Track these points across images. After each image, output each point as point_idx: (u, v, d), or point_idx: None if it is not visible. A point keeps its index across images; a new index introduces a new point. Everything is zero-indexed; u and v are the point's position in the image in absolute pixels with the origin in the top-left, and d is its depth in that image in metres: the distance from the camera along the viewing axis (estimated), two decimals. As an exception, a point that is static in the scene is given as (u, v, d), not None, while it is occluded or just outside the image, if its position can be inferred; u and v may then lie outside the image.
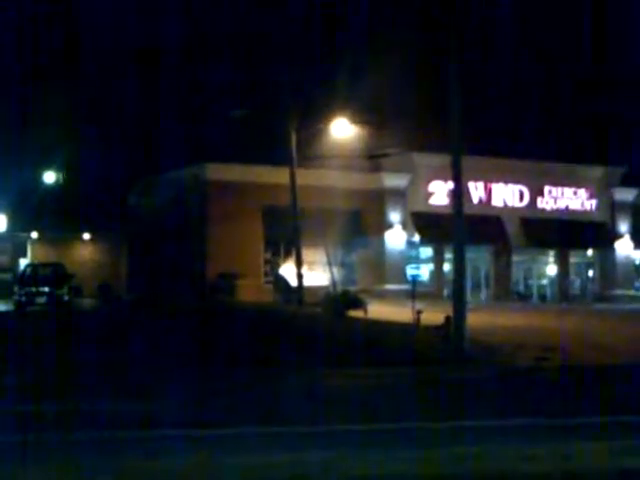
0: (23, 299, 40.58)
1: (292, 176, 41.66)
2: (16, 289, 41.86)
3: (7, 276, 50.08)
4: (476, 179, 52.72)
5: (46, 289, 41.36)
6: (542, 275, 58.45)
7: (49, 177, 59.63)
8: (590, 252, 58.71)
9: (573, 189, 56.98)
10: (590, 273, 59.22)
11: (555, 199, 56.53)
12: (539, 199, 56.07)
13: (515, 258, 56.31)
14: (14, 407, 14.38)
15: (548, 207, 56.27)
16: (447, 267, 51.28)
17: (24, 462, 10.16)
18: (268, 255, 49.88)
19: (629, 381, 19.48)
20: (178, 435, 11.85)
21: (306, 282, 41.84)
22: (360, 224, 50.99)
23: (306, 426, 12.59)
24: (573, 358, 23.42)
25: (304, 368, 19.97)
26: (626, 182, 57.84)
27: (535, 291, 57.45)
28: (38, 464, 10.11)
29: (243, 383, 18.03)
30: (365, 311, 35.02)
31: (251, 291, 44.22)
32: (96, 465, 10.01)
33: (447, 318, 26.62)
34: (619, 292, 56.87)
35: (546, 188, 56.19)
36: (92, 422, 12.77)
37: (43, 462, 10.20)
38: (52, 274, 43.34)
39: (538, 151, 53.92)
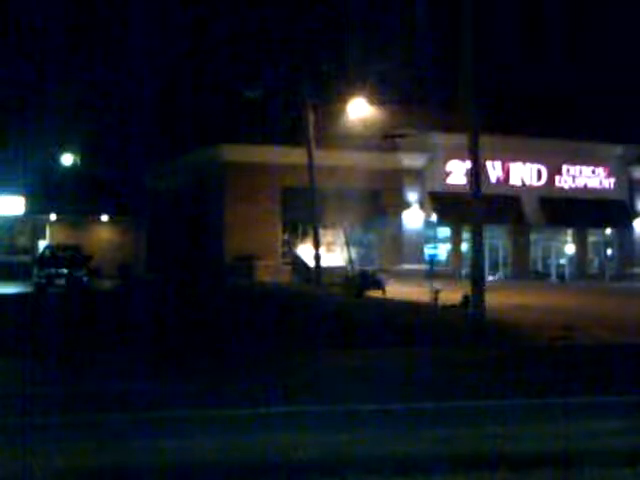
0: (42, 281, 40.77)
1: (310, 156, 41.64)
2: (35, 271, 42.07)
3: (26, 258, 50.39)
4: (494, 158, 52.60)
5: (65, 271, 41.52)
6: (560, 254, 58.29)
7: (67, 159, 59.84)
8: (608, 231, 58.51)
9: (591, 168, 56.78)
10: (609, 252, 59.02)
11: (573, 178, 56.35)
12: (557, 178, 55.91)
13: (533, 237, 56.22)
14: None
15: (566, 186, 56.10)
16: (465, 247, 51.23)
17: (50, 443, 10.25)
18: (286, 236, 49.94)
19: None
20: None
21: (324, 262, 41.91)
22: (378, 204, 50.96)
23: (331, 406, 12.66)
24: (591, 337, 23.36)
25: (322, 349, 20.01)
26: (645, 160, 57.61)
27: (553, 270, 57.31)
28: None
29: (258, 361, 18.10)
30: (383, 291, 35.09)
31: (269, 272, 44.36)
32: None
33: (465, 297, 26.62)
34: (638, 270, 56.71)
35: (564, 167, 56.01)
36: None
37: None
38: (71, 256, 43.52)
39: (556, 130, 53.67)
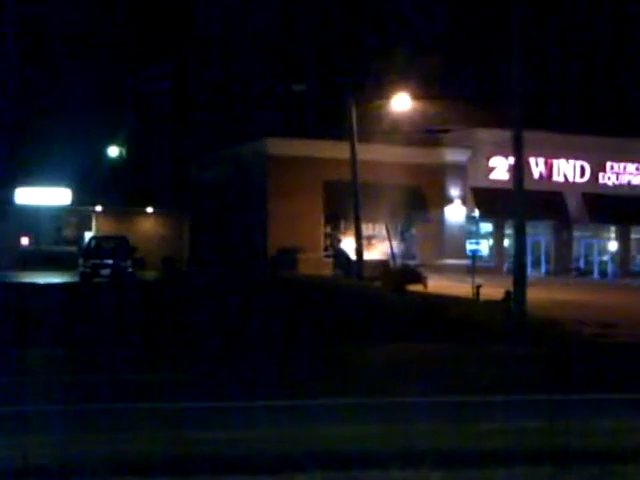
0: (88, 271, 41.20)
1: (352, 151, 41.78)
2: (81, 261, 42.53)
3: (73, 249, 51.00)
4: (537, 154, 52.47)
5: (110, 261, 41.94)
6: (603, 251, 58.01)
7: (113, 151, 60.47)
8: (652, 228, 58.11)
9: (636, 164, 56.43)
10: (652, 249, 58.65)
11: (617, 175, 56.05)
12: (601, 174, 55.65)
13: (576, 234, 56.00)
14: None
15: (610, 183, 55.83)
16: (507, 242, 51.19)
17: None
18: (328, 229, 50.19)
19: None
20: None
21: (366, 256, 42.08)
22: (420, 199, 51.05)
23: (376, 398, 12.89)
24: (633, 335, 23.36)
25: (366, 342, 20.24)
26: (690, 157, 57.11)
27: (596, 267, 57.06)
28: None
29: (308, 354, 18.37)
30: (425, 285, 35.16)
31: (311, 265, 44.63)
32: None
33: (507, 293, 26.68)
34: (681, 268, 56.35)
35: (608, 163, 55.74)
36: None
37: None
38: (116, 247, 43.97)
39: (600, 126, 53.43)
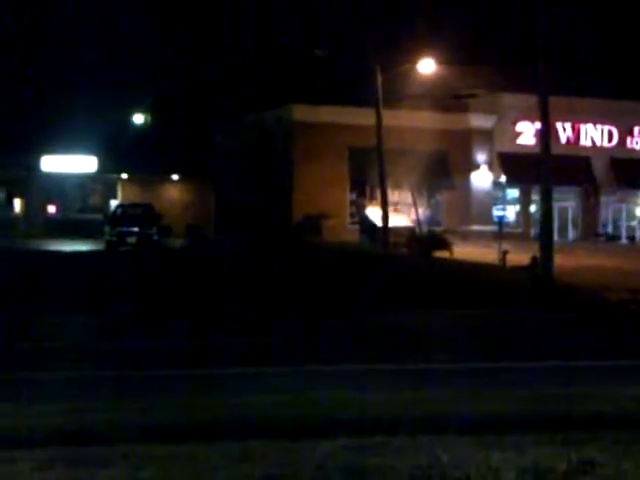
0: (114, 239, 41.29)
1: (378, 117, 41.57)
2: (107, 229, 42.62)
3: (98, 216, 51.17)
4: (564, 119, 51.92)
5: (136, 229, 41.99)
6: (631, 216, 57.56)
7: (138, 119, 60.47)
8: (682, 193, 57.55)
9: (664, 128, 55.83)
10: (681, 214, 58.12)
11: (645, 139, 55.48)
12: (629, 139, 55.11)
13: (603, 199, 55.54)
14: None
15: (638, 147, 55.29)
16: (533, 208, 50.87)
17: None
18: (353, 196, 50.05)
19: None
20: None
21: (391, 223, 41.97)
22: (446, 165, 50.78)
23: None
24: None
25: (395, 308, 20.23)
26: None
27: (624, 232, 56.63)
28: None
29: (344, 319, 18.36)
30: (451, 252, 35.08)
31: (336, 232, 44.56)
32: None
33: (534, 259, 26.60)
34: None
35: (636, 128, 55.15)
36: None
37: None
38: (141, 214, 44.01)
39: (628, 90, 52.81)
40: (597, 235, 54.19)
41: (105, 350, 14.40)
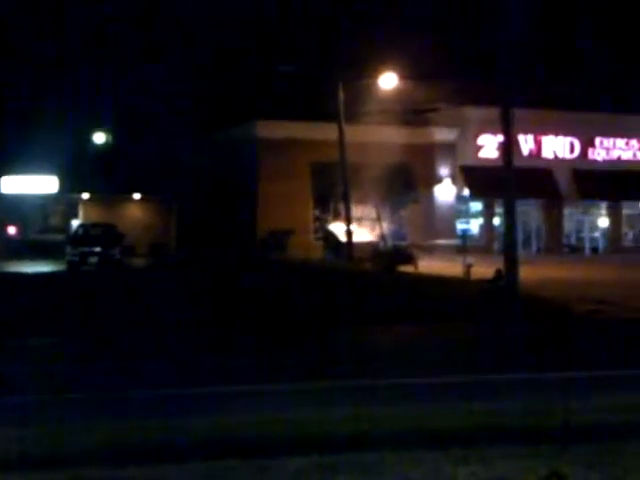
0: (75, 259, 40.94)
1: (340, 132, 41.59)
2: (68, 249, 42.24)
3: (60, 237, 50.60)
4: (526, 131, 52.18)
5: (97, 249, 41.68)
6: (594, 227, 57.88)
7: (99, 138, 59.96)
8: (643, 203, 57.95)
9: (625, 139, 56.25)
10: (643, 225, 58.53)
11: (607, 150, 55.86)
12: (590, 150, 55.45)
13: (566, 211, 55.82)
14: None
15: (599, 158, 55.64)
16: (497, 221, 50.99)
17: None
18: (317, 211, 49.97)
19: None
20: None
21: (355, 238, 41.89)
22: (409, 179, 50.81)
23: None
24: (626, 310, 23.19)
25: (357, 324, 20.04)
26: (679, 131, 56.94)
27: (587, 244, 56.91)
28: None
29: (301, 336, 18.14)
30: (415, 266, 35.01)
31: (301, 248, 44.38)
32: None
33: (498, 272, 26.51)
34: (674, 243, 56.21)
35: (597, 139, 55.54)
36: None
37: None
38: (103, 234, 43.72)
39: (589, 102, 53.17)
40: (561, 247, 54.40)
41: (62, 373, 14.07)
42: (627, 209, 57.54)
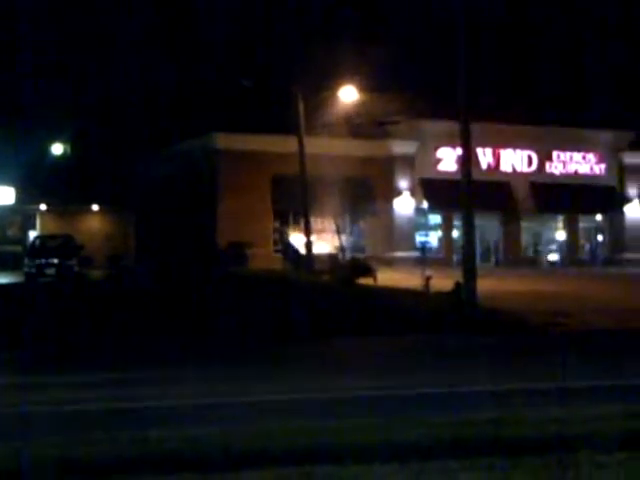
0: (33, 271, 40.63)
1: (300, 144, 41.61)
2: (26, 261, 41.93)
3: (17, 248, 50.20)
4: (484, 145, 52.54)
5: (55, 260, 41.38)
6: (551, 240, 58.39)
7: (57, 149, 59.58)
8: (599, 216, 58.56)
9: (582, 153, 56.82)
10: (600, 237, 59.13)
11: (564, 164, 56.39)
12: (548, 164, 55.94)
13: (524, 223, 56.25)
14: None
15: (557, 172, 56.14)
16: (456, 234, 51.25)
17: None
18: (277, 224, 49.95)
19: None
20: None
21: (315, 250, 41.89)
22: (369, 191, 50.96)
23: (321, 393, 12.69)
24: (584, 323, 23.39)
25: (316, 337, 20.04)
26: (635, 146, 57.64)
27: (544, 256, 57.36)
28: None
29: (254, 350, 18.12)
30: (375, 278, 35.05)
31: (261, 260, 44.33)
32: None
33: (457, 284, 26.64)
34: (629, 256, 56.75)
35: (555, 153, 56.05)
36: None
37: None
38: (61, 245, 43.45)
39: (546, 116, 53.68)
40: (518, 260, 54.76)
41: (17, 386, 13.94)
42: (584, 222, 58.11)
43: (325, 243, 47.82)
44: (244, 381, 14.08)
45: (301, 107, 41.53)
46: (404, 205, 51.98)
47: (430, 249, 45.49)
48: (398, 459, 8.67)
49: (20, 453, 8.68)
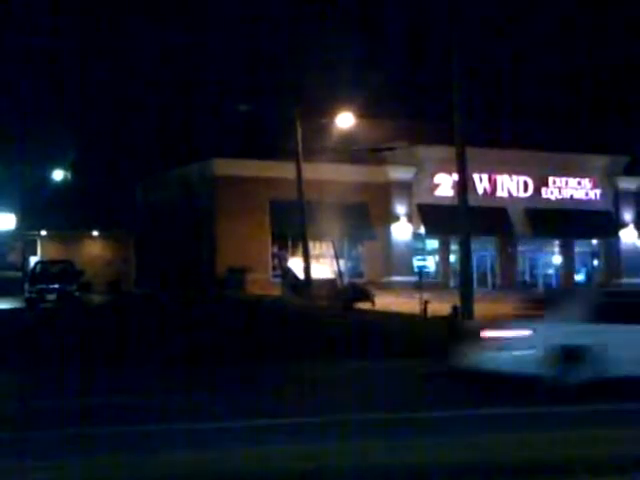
0: (34, 296, 40.90)
1: (298, 170, 41.98)
2: (27, 286, 42.21)
3: (18, 274, 50.40)
4: (481, 171, 52.93)
5: (56, 286, 41.65)
6: (547, 264, 58.72)
7: (57, 175, 59.92)
8: (595, 241, 58.95)
9: (577, 179, 57.22)
10: (595, 262, 59.49)
11: (559, 189, 56.77)
12: (543, 189, 56.32)
13: (520, 248, 56.60)
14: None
15: (552, 197, 56.51)
16: (453, 258, 51.57)
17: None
18: (275, 249, 50.24)
19: None
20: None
21: (313, 275, 42.18)
22: (366, 217, 51.28)
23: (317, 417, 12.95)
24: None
25: (316, 361, 20.30)
26: (630, 171, 58.10)
27: (541, 280, 57.69)
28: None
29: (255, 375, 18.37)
30: (372, 303, 35.35)
31: (259, 285, 44.59)
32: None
33: (454, 308, 26.96)
34: (625, 281, 57.07)
35: (550, 178, 56.45)
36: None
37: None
38: (62, 271, 43.66)
39: (542, 142, 54.09)
40: (515, 283, 55.03)
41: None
42: (579, 247, 58.48)
43: (323, 268, 48.12)
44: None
45: (299, 132, 41.94)
46: (402, 230, 52.32)
47: (427, 274, 45.86)
48: None
49: None
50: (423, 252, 49.19)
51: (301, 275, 42.81)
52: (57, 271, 43.72)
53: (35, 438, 11.48)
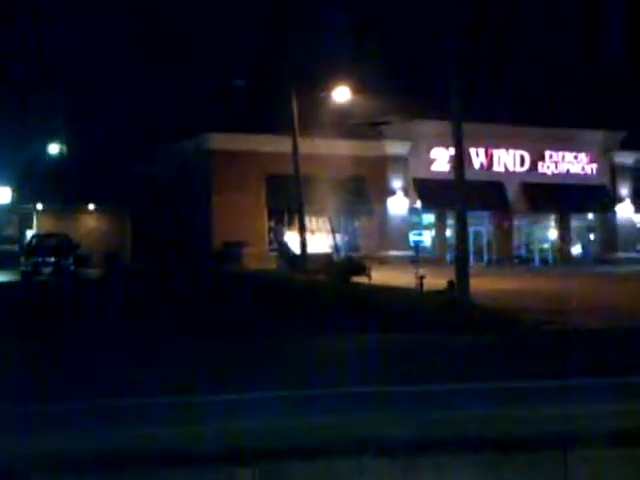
0: (29, 269, 40.97)
1: (294, 144, 41.97)
2: (22, 260, 42.26)
3: (13, 247, 50.44)
4: (477, 145, 52.96)
5: (52, 259, 41.73)
6: (543, 239, 58.85)
7: (53, 148, 59.81)
8: (591, 216, 59.04)
9: (574, 153, 57.25)
10: (591, 237, 59.59)
11: (556, 164, 56.82)
12: (540, 164, 56.37)
13: (516, 223, 56.68)
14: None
15: (549, 172, 56.57)
16: (449, 233, 51.65)
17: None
18: (272, 223, 50.28)
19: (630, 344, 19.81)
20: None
21: (310, 249, 42.24)
22: (362, 191, 51.32)
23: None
24: (577, 322, 23.67)
25: (312, 335, 20.32)
26: (626, 146, 58.10)
27: (537, 255, 57.83)
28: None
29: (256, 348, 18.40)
30: (369, 277, 35.41)
31: (256, 259, 44.66)
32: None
33: (450, 283, 26.99)
34: (621, 255, 57.24)
35: (547, 153, 56.48)
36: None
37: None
38: (57, 244, 43.74)
39: (539, 116, 54.08)
40: (511, 258, 55.19)
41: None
42: (575, 221, 58.57)
43: (320, 242, 48.17)
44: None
45: (295, 106, 41.87)
46: (398, 205, 52.35)
47: (423, 248, 45.90)
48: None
49: None
50: (419, 226, 49.21)
51: (297, 249, 42.86)
52: (53, 245, 43.77)
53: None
